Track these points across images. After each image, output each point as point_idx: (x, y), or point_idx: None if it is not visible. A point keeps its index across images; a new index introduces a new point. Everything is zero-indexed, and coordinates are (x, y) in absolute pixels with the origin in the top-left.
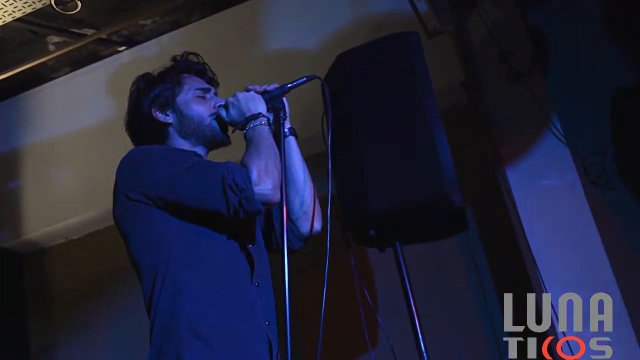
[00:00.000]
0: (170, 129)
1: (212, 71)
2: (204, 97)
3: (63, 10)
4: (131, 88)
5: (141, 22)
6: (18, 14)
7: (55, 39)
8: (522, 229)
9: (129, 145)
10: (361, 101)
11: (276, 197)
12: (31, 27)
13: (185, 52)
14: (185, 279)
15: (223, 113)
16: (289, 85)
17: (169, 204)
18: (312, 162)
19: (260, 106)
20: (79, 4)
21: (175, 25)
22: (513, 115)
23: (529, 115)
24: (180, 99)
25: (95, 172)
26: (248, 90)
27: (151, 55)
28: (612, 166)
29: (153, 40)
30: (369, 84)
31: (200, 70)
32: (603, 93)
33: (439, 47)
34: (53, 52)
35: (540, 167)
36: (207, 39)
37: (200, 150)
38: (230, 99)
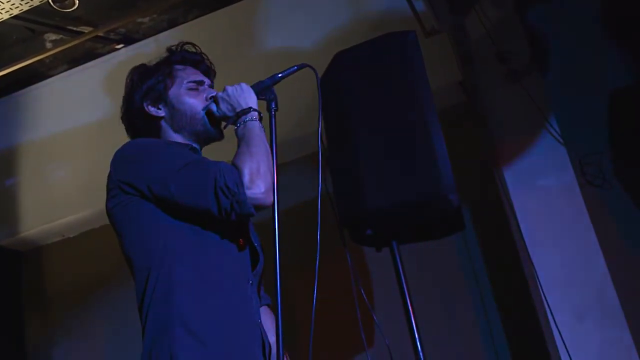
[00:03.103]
0: (163, 122)
1: (209, 60)
2: (196, 90)
3: (60, 8)
4: (127, 79)
5: (139, 19)
6: (15, 11)
7: (53, 36)
8: (519, 228)
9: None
10: (358, 100)
11: (268, 200)
12: (28, 24)
13: (181, 42)
14: (179, 275)
15: (213, 108)
16: (279, 75)
17: (161, 200)
18: (309, 160)
19: (250, 100)
20: (77, 2)
21: (173, 23)
22: (510, 115)
23: (526, 115)
24: (173, 92)
25: (92, 170)
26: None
27: (149, 53)
28: (609, 166)
29: (151, 38)
30: (367, 83)
31: (196, 60)
32: (600, 93)
33: (436, 46)
34: (50, 49)
35: (537, 167)
36: (204, 37)
37: (193, 145)
38: (220, 93)
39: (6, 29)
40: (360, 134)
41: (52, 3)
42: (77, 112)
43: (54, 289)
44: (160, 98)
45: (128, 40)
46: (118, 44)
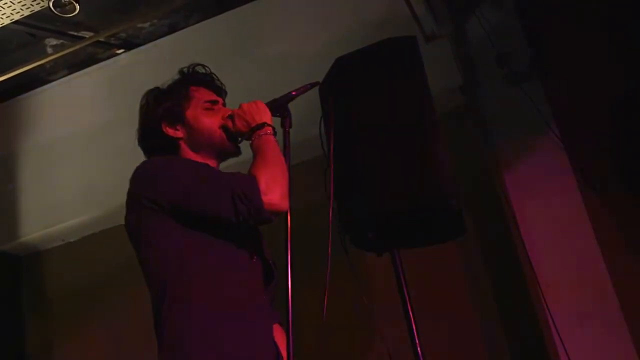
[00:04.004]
0: (181, 142)
1: (219, 80)
2: (212, 109)
3: (61, 13)
4: (141, 102)
5: (139, 24)
6: (16, 17)
7: (54, 41)
8: (520, 233)
9: (127, 148)
10: (359, 105)
11: (284, 205)
12: (29, 29)
13: (192, 64)
14: (197, 288)
15: (229, 124)
16: (293, 93)
17: (181, 213)
18: (311, 164)
19: (265, 116)
20: (77, 7)
21: (173, 29)
22: (511, 119)
23: (527, 119)
24: (190, 113)
25: (92, 175)
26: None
27: (149, 58)
28: (610, 170)
29: (151, 43)
30: (367, 87)
31: (207, 81)
32: (601, 95)
33: (436, 50)
34: (51, 54)
35: (537, 170)
36: (205, 43)
37: (211, 162)
38: (236, 110)
39: (7, 34)
40: (360, 138)
41: (53, 8)
42: (77, 117)
43: (54, 293)
44: (178, 119)
45: (128, 45)
46: (119, 49)
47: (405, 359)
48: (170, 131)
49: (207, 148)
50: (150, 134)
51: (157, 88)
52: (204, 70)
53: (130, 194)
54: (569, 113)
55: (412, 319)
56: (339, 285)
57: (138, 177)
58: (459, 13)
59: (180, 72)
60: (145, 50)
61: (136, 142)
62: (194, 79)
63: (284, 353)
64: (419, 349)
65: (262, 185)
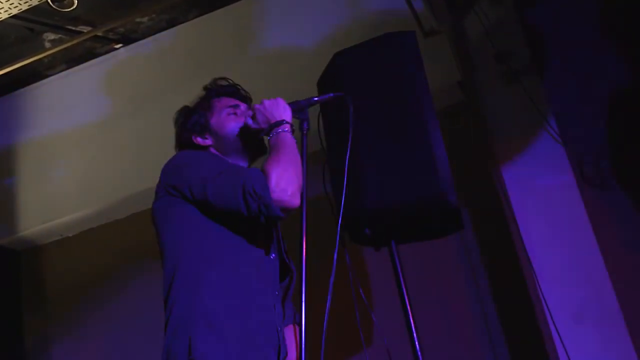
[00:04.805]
0: (212, 149)
1: (243, 89)
2: (235, 114)
3: (59, 7)
4: (174, 124)
5: (138, 19)
6: (14, 11)
7: (52, 36)
8: (518, 228)
9: (124, 143)
10: (357, 100)
11: (294, 202)
12: (27, 24)
13: (213, 79)
14: (207, 274)
15: (250, 121)
16: (315, 99)
17: (200, 203)
18: (309, 159)
19: (285, 114)
20: (75, 1)
21: (172, 23)
22: (509, 115)
23: (525, 115)
24: (214, 121)
25: (90, 170)
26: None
27: (147, 53)
28: (608, 167)
29: (149, 38)
30: (365, 83)
31: (230, 91)
32: (599, 93)
33: (435, 46)
34: (49, 49)
35: (536, 167)
36: (203, 37)
37: (241, 163)
38: (257, 105)
39: (5, 28)
40: (359, 133)
41: (51, 3)
42: (75, 111)
43: (53, 288)
44: (205, 129)
45: (127, 40)
46: (117, 43)
47: (403, 354)
48: (200, 141)
49: (235, 150)
50: (184, 146)
51: (186, 106)
52: (226, 83)
53: (159, 183)
54: (568, 111)
55: (410, 314)
56: (336, 279)
57: (167, 167)
58: (458, 9)
59: (204, 88)
60: (143, 45)
61: (135, 138)
62: (215, 91)
63: (292, 351)
64: (416, 343)
65: (272, 183)
